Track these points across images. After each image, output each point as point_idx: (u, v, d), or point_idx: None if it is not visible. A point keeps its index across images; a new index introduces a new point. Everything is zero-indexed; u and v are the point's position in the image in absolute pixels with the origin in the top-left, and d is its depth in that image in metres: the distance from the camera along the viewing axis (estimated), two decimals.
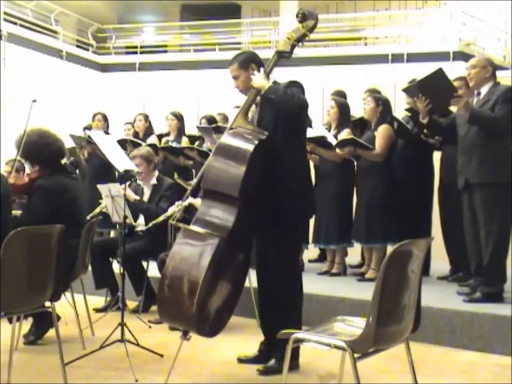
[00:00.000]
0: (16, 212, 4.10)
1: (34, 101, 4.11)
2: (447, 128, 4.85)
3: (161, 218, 4.75)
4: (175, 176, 5.16)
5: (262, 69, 3.63)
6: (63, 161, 4.38)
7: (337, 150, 5.42)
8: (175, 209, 4.10)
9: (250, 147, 3.41)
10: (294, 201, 3.59)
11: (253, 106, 3.81)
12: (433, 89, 4.48)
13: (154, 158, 5.45)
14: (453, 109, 5.06)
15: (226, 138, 3.52)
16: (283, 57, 3.67)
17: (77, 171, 6.84)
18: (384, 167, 5.33)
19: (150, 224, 4.81)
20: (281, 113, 3.54)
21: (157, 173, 5.39)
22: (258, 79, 3.57)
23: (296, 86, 3.58)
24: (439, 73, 4.46)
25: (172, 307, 3.32)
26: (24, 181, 4.12)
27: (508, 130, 4.46)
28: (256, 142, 3.43)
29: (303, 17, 3.60)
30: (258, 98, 3.65)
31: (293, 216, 3.61)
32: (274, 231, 3.59)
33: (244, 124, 3.59)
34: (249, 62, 3.67)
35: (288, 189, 3.56)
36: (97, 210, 5.01)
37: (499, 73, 4.75)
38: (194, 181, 3.73)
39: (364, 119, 5.64)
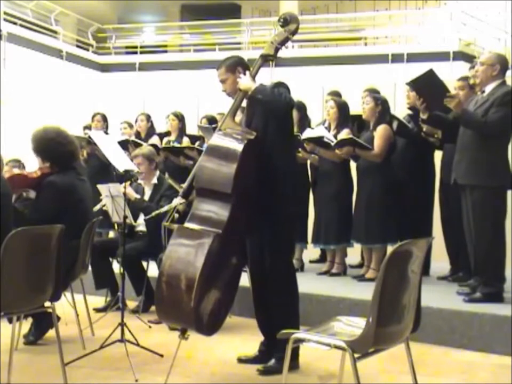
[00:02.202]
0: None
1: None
2: (452, 122, 4.76)
3: (164, 209, 4.73)
4: (166, 176, 5.12)
5: (248, 72, 3.69)
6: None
7: (336, 150, 5.42)
8: (178, 201, 4.11)
9: (239, 146, 3.47)
10: (285, 201, 3.62)
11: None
12: (426, 89, 4.50)
13: (156, 158, 5.45)
14: None
15: (215, 139, 3.59)
16: (268, 61, 3.77)
17: None
18: (383, 166, 5.32)
19: (153, 213, 4.79)
20: (271, 113, 3.60)
21: (158, 172, 5.40)
22: (245, 81, 3.64)
23: (282, 86, 3.65)
24: (430, 74, 4.47)
25: (170, 305, 3.33)
26: (36, 174, 4.12)
27: (502, 135, 4.40)
28: (246, 141, 3.49)
29: (284, 21, 3.71)
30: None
31: (284, 215, 3.63)
32: (266, 231, 3.61)
33: (232, 125, 3.66)
34: (235, 65, 3.74)
35: (279, 189, 3.59)
36: (97, 207, 5.00)
37: None
38: (186, 183, 3.73)
39: (360, 115, 5.63)
